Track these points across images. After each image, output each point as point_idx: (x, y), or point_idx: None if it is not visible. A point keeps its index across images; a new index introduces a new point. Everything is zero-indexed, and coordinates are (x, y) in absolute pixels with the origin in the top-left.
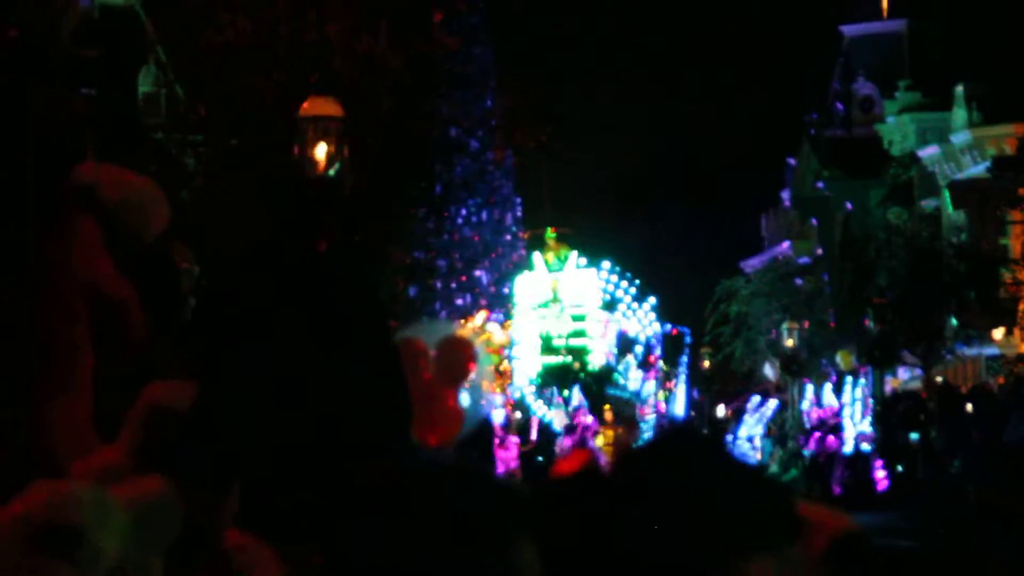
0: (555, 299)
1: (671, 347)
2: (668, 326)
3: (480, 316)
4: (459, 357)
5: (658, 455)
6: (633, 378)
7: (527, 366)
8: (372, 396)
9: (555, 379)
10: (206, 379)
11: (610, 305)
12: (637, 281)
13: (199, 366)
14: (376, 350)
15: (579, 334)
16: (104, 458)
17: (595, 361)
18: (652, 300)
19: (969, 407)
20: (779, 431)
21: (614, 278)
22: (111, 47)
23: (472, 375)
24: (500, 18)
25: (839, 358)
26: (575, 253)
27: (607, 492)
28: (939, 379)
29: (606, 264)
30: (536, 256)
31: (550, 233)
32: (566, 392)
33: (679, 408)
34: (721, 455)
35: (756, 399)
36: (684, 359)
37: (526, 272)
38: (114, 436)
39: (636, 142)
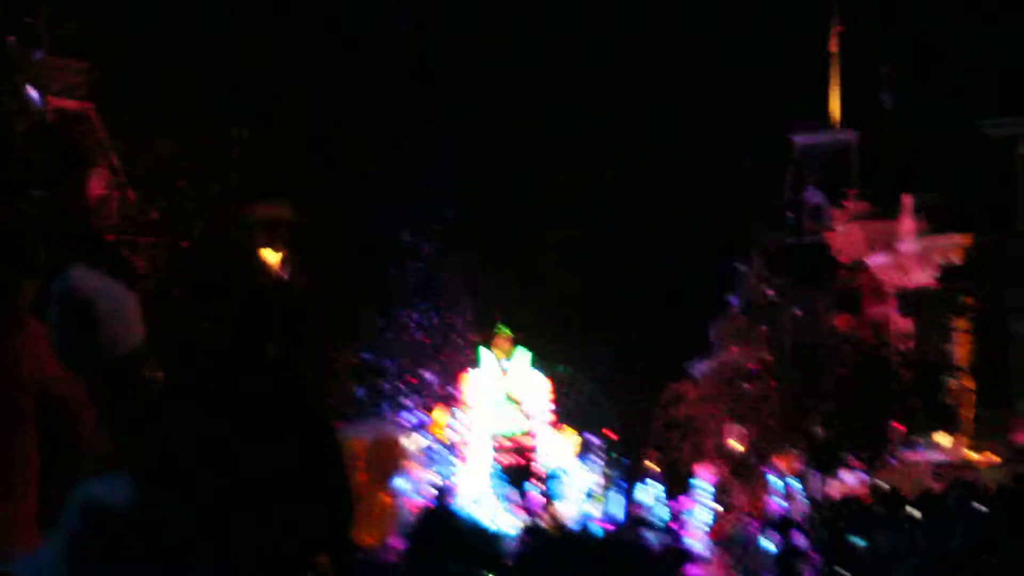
0: (507, 398)
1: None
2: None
3: (437, 411)
4: (388, 456)
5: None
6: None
7: (479, 462)
8: (319, 494)
9: (507, 479)
10: (157, 477)
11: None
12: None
13: (149, 464)
14: (322, 450)
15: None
16: (42, 553)
17: (545, 463)
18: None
19: (916, 513)
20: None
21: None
22: (63, 150)
23: (402, 472)
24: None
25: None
26: (522, 351)
27: None
28: (884, 484)
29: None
30: (483, 352)
31: (504, 329)
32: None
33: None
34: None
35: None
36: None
37: (476, 368)
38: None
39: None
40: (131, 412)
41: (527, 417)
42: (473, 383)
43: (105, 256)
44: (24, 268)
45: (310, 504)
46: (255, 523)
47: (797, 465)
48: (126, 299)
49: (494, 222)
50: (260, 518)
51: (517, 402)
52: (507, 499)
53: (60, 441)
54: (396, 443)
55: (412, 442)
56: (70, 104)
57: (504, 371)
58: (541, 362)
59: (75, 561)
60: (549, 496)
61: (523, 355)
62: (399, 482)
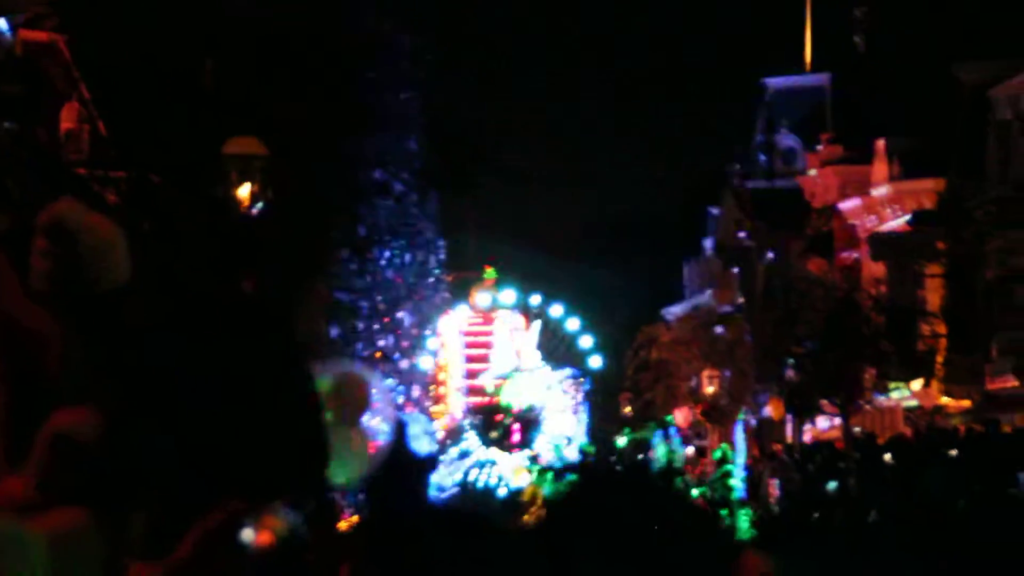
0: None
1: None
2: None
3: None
4: (356, 395)
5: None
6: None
7: (456, 401)
8: (292, 432)
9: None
10: (127, 411)
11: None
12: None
13: (121, 398)
14: (297, 389)
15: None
16: (12, 487)
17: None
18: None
19: (887, 457)
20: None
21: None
22: (33, 82)
23: (369, 412)
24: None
25: (769, 409)
26: (506, 292)
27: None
28: (857, 429)
29: (536, 299)
30: (474, 291)
31: (489, 272)
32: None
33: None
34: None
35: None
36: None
37: (457, 307)
38: (21, 460)
39: (559, 189)
40: (110, 346)
41: (509, 359)
42: (451, 324)
43: (76, 189)
44: None
45: (283, 443)
46: (227, 458)
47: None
48: (114, 235)
49: (465, 157)
50: (232, 454)
51: (496, 345)
52: (483, 440)
53: (26, 374)
54: (364, 382)
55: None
56: (40, 35)
57: (486, 314)
58: (520, 303)
59: (46, 493)
60: (525, 438)
61: (506, 296)
62: (368, 421)
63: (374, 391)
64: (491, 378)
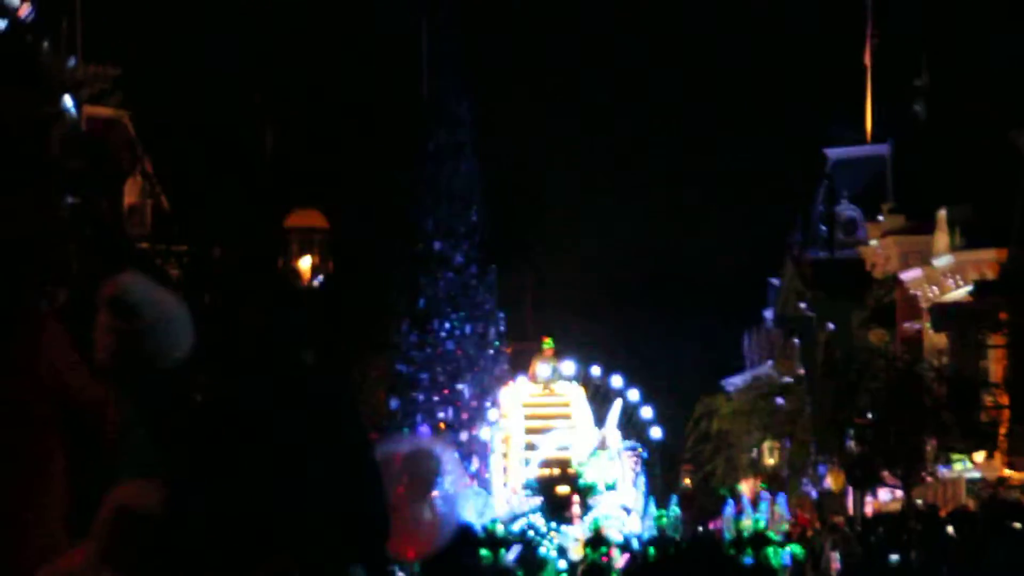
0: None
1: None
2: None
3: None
4: (427, 469)
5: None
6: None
7: (517, 473)
8: (352, 506)
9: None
10: (190, 485)
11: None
12: (638, 391)
13: (184, 472)
14: (358, 461)
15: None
16: (73, 560)
17: (588, 476)
18: (648, 411)
19: (950, 529)
20: None
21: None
22: (97, 157)
23: (439, 487)
24: (486, 134)
25: (829, 480)
26: (567, 363)
27: None
28: (920, 501)
29: (596, 370)
30: (535, 364)
31: (548, 342)
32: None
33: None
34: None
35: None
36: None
37: (517, 379)
38: (84, 534)
39: (618, 260)
40: (173, 420)
41: (571, 432)
42: (512, 397)
43: (138, 263)
44: (56, 274)
45: (344, 517)
46: (288, 534)
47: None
48: (177, 309)
49: (519, 228)
50: (294, 529)
51: (560, 417)
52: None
53: (84, 449)
54: (434, 456)
55: (450, 456)
56: (104, 111)
57: (547, 385)
58: (580, 374)
59: (110, 562)
60: (585, 510)
61: (567, 368)
62: (437, 496)
63: (445, 466)
64: (556, 448)
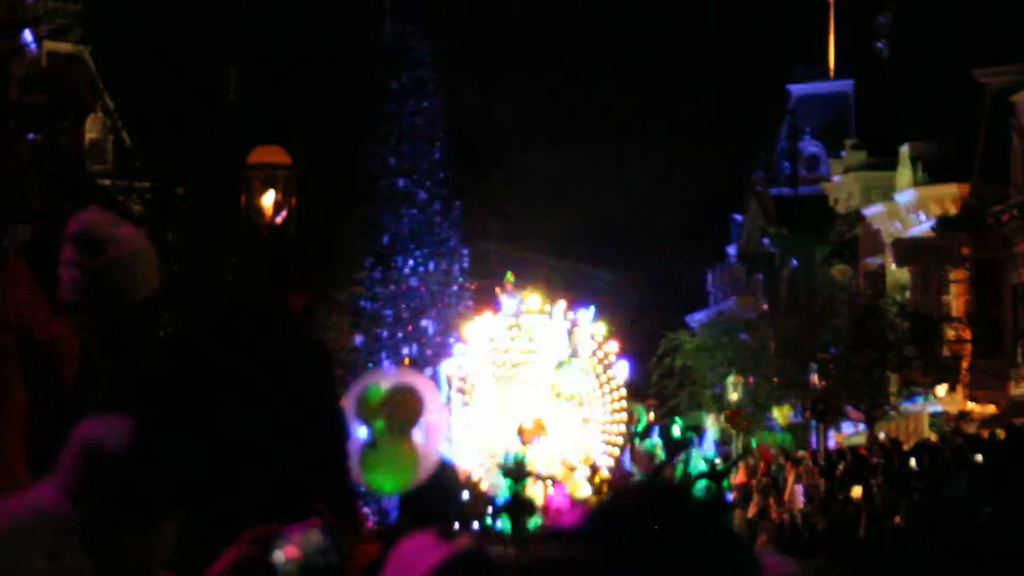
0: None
1: None
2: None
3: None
4: (409, 402)
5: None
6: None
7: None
8: (314, 441)
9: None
10: (156, 420)
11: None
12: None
13: (150, 408)
14: (321, 398)
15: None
16: (38, 494)
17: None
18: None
19: (912, 463)
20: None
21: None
22: (58, 93)
23: (422, 421)
24: (450, 72)
25: (776, 413)
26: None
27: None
28: (882, 435)
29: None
30: (504, 298)
31: (510, 276)
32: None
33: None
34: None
35: None
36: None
37: (484, 315)
38: (46, 470)
39: (581, 197)
40: (138, 356)
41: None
42: (477, 331)
43: (100, 199)
44: (17, 210)
45: (310, 451)
46: (256, 467)
47: (789, 415)
48: (143, 246)
49: (488, 166)
50: (261, 462)
51: (528, 352)
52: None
53: (44, 384)
54: (416, 390)
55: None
56: (64, 46)
57: (512, 319)
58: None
59: (74, 500)
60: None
61: (533, 301)
62: (419, 430)
63: (428, 401)
64: (545, 370)
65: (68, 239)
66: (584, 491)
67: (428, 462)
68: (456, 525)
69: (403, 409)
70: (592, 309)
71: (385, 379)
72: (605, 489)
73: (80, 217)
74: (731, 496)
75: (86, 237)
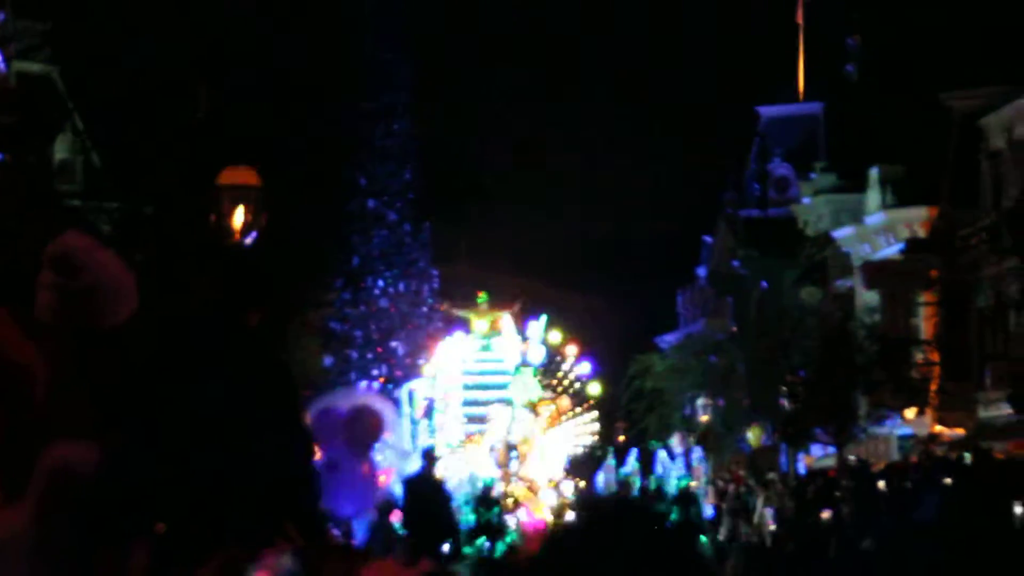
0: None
1: None
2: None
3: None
4: (368, 425)
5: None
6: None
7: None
8: (281, 464)
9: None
10: (127, 444)
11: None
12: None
13: (121, 431)
14: (286, 419)
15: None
16: (9, 517)
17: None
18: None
19: (882, 485)
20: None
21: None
22: (27, 113)
23: (384, 440)
24: (423, 91)
25: (749, 434)
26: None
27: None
28: (852, 457)
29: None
30: (472, 318)
31: (483, 297)
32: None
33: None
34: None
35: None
36: None
37: (456, 334)
38: (15, 493)
39: (552, 216)
40: (112, 379)
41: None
42: (447, 355)
43: (69, 219)
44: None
45: (276, 472)
46: (222, 489)
47: (762, 438)
48: (121, 271)
49: (458, 187)
50: (227, 484)
51: (500, 372)
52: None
53: (13, 405)
54: (376, 412)
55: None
56: (34, 66)
57: (482, 344)
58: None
59: (45, 522)
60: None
61: (506, 323)
62: (377, 452)
63: (387, 422)
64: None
65: (46, 261)
66: (548, 513)
67: (386, 483)
68: (449, 544)
69: (363, 430)
70: (543, 318)
71: (346, 400)
72: (564, 512)
73: (59, 240)
74: (707, 514)
75: (64, 260)
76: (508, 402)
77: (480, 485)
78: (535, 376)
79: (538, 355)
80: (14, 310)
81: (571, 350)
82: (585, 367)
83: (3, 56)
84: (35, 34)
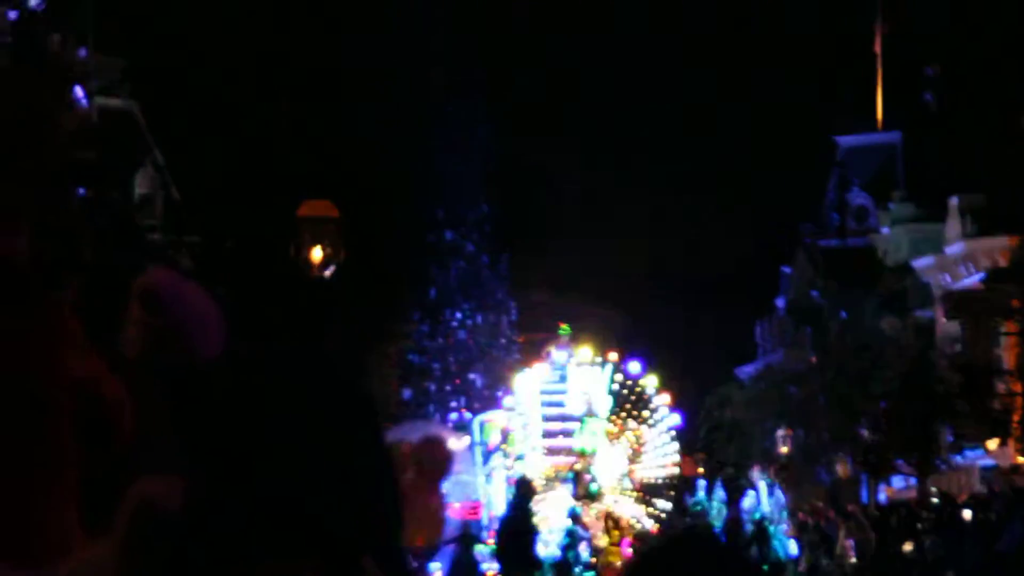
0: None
1: None
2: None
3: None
4: (437, 458)
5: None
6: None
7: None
8: (365, 498)
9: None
10: (214, 483)
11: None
12: (654, 381)
13: (208, 470)
14: (370, 452)
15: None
16: (92, 553)
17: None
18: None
19: (965, 516)
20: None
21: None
22: (108, 149)
23: (450, 475)
24: (498, 123)
25: (838, 467)
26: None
27: None
28: (934, 489)
29: (631, 363)
30: (554, 352)
31: (565, 329)
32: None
33: None
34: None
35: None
36: None
37: (535, 366)
38: (100, 529)
39: (631, 248)
40: (199, 418)
41: (580, 404)
42: (527, 384)
43: (151, 254)
44: (69, 266)
45: (358, 507)
46: (308, 526)
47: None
48: (208, 307)
49: (529, 217)
50: (311, 520)
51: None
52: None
53: (98, 443)
54: (444, 445)
55: (460, 444)
56: (114, 102)
57: (562, 375)
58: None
59: (128, 559)
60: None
61: (584, 355)
62: (446, 485)
63: (456, 454)
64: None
65: (135, 296)
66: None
67: (452, 518)
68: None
69: (432, 462)
70: (638, 364)
71: (414, 433)
72: (647, 543)
73: (148, 275)
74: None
75: (151, 296)
76: (581, 451)
77: (567, 517)
78: (606, 420)
79: (603, 406)
80: (101, 345)
81: (651, 381)
82: (664, 398)
83: (84, 92)
84: (115, 69)
